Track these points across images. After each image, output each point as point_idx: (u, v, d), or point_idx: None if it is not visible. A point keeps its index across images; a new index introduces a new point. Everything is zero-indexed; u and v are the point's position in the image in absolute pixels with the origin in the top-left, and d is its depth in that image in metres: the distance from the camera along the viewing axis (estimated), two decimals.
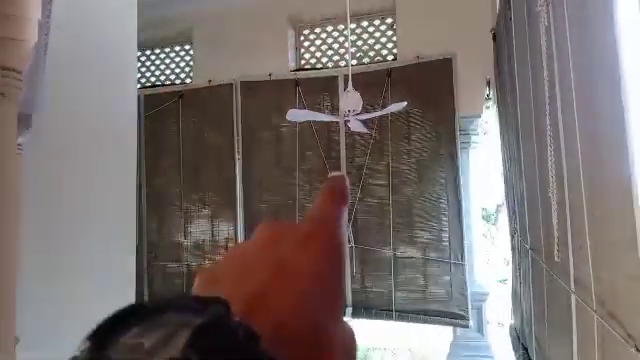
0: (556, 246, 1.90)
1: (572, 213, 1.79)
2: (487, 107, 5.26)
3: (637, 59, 1.26)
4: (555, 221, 1.90)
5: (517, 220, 3.46)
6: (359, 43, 5.68)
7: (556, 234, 1.89)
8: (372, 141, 5.18)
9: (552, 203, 1.91)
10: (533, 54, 2.42)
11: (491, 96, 5.12)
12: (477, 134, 5.22)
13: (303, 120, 4.79)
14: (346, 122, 4.27)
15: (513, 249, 3.78)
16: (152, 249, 5.83)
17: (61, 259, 3.23)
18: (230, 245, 5.62)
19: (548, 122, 1.97)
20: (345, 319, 0.28)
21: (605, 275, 1.45)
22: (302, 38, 5.90)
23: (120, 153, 3.78)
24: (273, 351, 0.20)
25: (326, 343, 0.23)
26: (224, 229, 5.63)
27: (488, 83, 5.06)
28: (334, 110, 5.17)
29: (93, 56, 3.63)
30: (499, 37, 4.09)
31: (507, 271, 10.25)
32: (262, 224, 0.30)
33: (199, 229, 5.72)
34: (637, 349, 1.16)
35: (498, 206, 14.33)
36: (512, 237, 3.70)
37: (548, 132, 1.97)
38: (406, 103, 3.85)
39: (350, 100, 3.90)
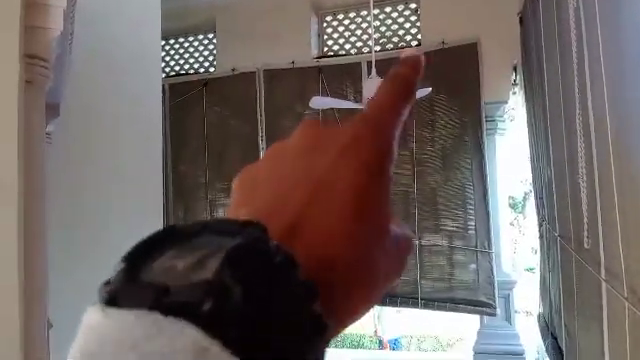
0: (585, 233, 1.85)
1: (602, 199, 1.74)
2: (514, 93, 5.15)
3: None
4: (585, 207, 1.85)
5: (545, 208, 3.40)
6: (382, 29, 5.61)
7: (586, 221, 1.85)
8: None
9: (582, 189, 1.86)
10: (562, 37, 2.35)
11: (518, 81, 5.01)
12: (503, 120, 5.13)
13: (326, 107, 4.76)
14: None
15: (541, 237, 3.71)
16: None
17: (86, 248, 3.30)
18: None
19: (577, 105, 1.91)
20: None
21: (636, 262, 1.41)
22: (325, 25, 5.85)
23: (146, 141, 3.84)
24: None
25: (362, 277, 0.22)
26: None
27: (515, 68, 4.95)
28: (358, 96, 5.12)
29: (118, 45, 3.67)
30: (526, 21, 3.99)
31: (535, 260, 10.10)
32: (305, 122, 0.27)
33: (225, 217, 5.77)
34: None
35: (525, 194, 14.11)
36: (540, 225, 3.63)
37: (577, 116, 1.92)
38: (430, 89, 3.80)
39: (374, 86, 3.86)
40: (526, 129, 4.58)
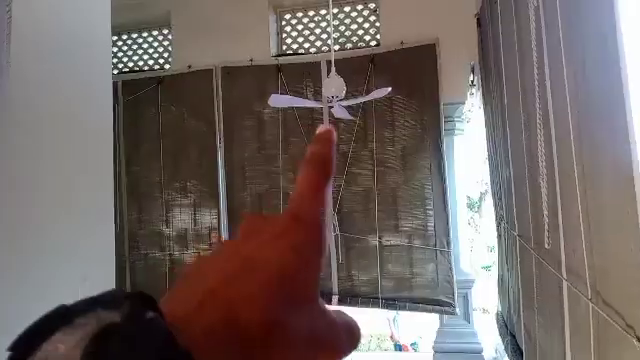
0: (546, 233, 1.84)
1: (563, 199, 1.74)
2: (471, 94, 5.20)
3: (635, 37, 1.19)
4: (545, 207, 1.84)
5: (504, 207, 3.42)
6: (341, 28, 5.58)
7: (546, 221, 1.84)
8: (356, 128, 5.10)
9: (542, 189, 1.85)
10: (521, 37, 2.36)
11: (475, 82, 5.07)
12: (461, 121, 5.18)
13: (285, 106, 4.68)
14: (330, 108, 4.18)
15: (499, 236, 3.74)
16: (133, 238, 5.70)
17: (29, 250, 3.10)
18: (213, 234, 5.51)
19: (537, 104, 1.90)
20: (338, 308, 0.28)
21: (600, 263, 1.40)
22: (283, 23, 5.77)
23: (95, 139, 3.63)
24: (217, 346, 0.21)
25: (280, 340, 0.23)
26: (207, 218, 5.52)
27: (472, 69, 5.00)
28: (317, 96, 5.06)
29: (63, 40, 3.47)
30: (484, 22, 4.02)
31: (491, 258, 10.33)
32: (246, 216, 0.30)
33: (181, 218, 5.60)
34: (638, 339, 1.11)
35: (482, 194, 14.42)
36: (498, 224, 3.66)
37: (538, 116, 1.91)
38: (390, 89, 3.78)
39: (333, 85, 3.81)
40: (484, 130, 4.63)
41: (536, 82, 1.91)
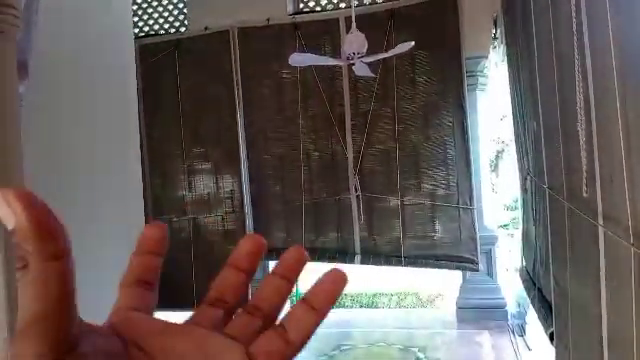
0: (584, 181, 1.82)
1: (603, 146, 1.70)
2: (494, 47, 5.07)
3: None
4: (584, 155, 1.81)
5: (530, 161, 3.38)
6: None
7: (585, 169, 1.81)
8: (376, 86, 5.03)
9: (580, 137, 1.81)
10: None
11: (497, 35, 4.93)
12: (484, 75, 5.07)
13: (306, 64, 4.62)
14: (350, 66, 4.12)
15: (525, 191, 3.71)
16: (156, 203, 5.77)
17: (63, 213, 3.16)
18: (235, 198, 5.56)
19: (575, 43, 1.85)
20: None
21: None
22: None
23: (121, 105, 3.65)
24: None
25: None
26: (228, 181, 5.56)
27: (495, 22, 4.86)
28: (336, 54, 4.98)
29: (88, 5, 3.44)
30: None
31: (509, 217, 10.27)
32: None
33: (203, 183, 5.65)
34: None
35: (498, 152, 14.24)
36: (525, 179, 3.62)
37: (576, 64, 1.86)
38: (413, 43, 3.70)
39: (354, 42, 3.74)
40: (507, 84, 4.54)
41: (574, 28, 1.84)
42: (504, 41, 4.43)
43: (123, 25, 3.69)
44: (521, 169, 4.09)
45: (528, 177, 3.52)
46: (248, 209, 5.49)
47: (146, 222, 5.65)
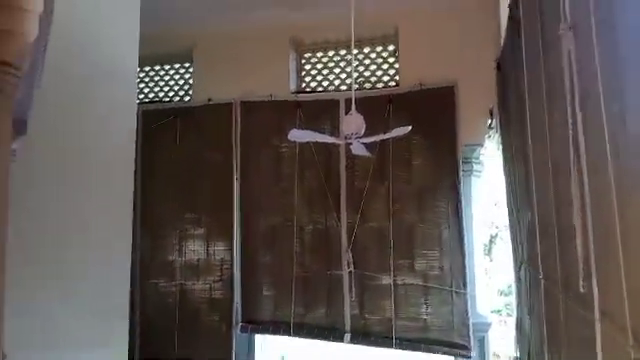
0: (581, 275, 1.80)
1: (599, 243, 1.71)
2: (489, 136, 5.21)
3: None
4: (580, 250, 1.81)
5: (525, 249, 3.38)
6: (360, 69, 5.66)
7: (581, 263, 1.80)
8: (373, 165, 5.11)
9: (577, 233, 1.82)
10: (550, 80, 2.38)
11: (493, 125, 5.09)
12: (479, 162, 5.17)
13: (305, 140, 4.72)
14: (348, 145, 4.21)
15: (519, 279, 3.68)
16: (145, 266, 5.66)
17: (48, 274, 3.09)
18: (225, 266, 5.47)
19: (571, 146, 1.90)
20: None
21: None
22: (303, 61, 5.88)
23: (117, 168, 3.68)
24: None
25: None
26: (220, 249, 5.50)
27: (490, 112, 5.03)
28: (335, 133, 5.10)
29: (94, 69, 3.55)
30: (504, 66, 4.07)
31: (502, 302, 10.11)
32: None
33: (194, 249, 5.58)
34: None
35: (492, 237, 14.23)
36: (519, 268, 3.61)
37: (572, 157, 1.90)
38: (410, 127, 3.80)
39: (353, 123, 3.84)
40: (500, 173, 4.62)
41: (569, 123, 1.91)
42: (499, 132, 4.56)
43: (128, 93, 3.77)
44: (515, 257, 4.08)
45: (522, 266, 3.50)
46: (237, 278, 5.39)
47: (132, 284, 5.52)
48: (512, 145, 3.86)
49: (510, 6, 3.25)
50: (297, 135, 4.00)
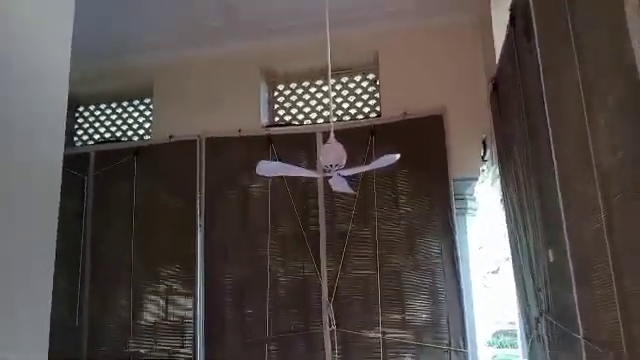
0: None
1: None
2: (482, 170, 4.68)
3: None
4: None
5: (545, 297, 2.76)
6: (338, 100, 5.16)
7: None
8: (355, 204, 4.51)
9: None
10: (560, 102, 1.85)
11: (486, 158, 4.56)
12: (473, 199, 4.62)
13: (275, 174, 4.12)
14: (327, 180, 3.62)
15: (534, 336, 3.03)
16: (94, 331, 4.86)
17: None
18: (187, 328, 4.70)
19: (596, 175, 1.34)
20: None
21: None
22: (276, 93, 5.36)
23: (37, 222, 2.95)
24: None
25: None
26: (180, 309, 4.74)
27: (484, 143, 4.52)
28: (312, 168, 4.51)
29: (16, 111, 2.90)
30: (503, 84, 3.58)
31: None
32: None
33: (150, 309, 4.81)
34: None
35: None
36: (536, 319, 2.97)
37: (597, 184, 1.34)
38: (399, 156, 3.24)
39: (331, 152, 3.27)
40: (501, 207, 4.07)
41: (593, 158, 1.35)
42: (496, 161, 4.03)
43: (54, 138, 3.09)
44: (523, 308, 3.45)
45: (541, 317, 2.87)
46: (201, 343, 4.61)
47: (78, 352, 4.71)
48: (516, 174, 3.31)
49: (512, 7, 2.76)
50: (267, 168, 3.39)
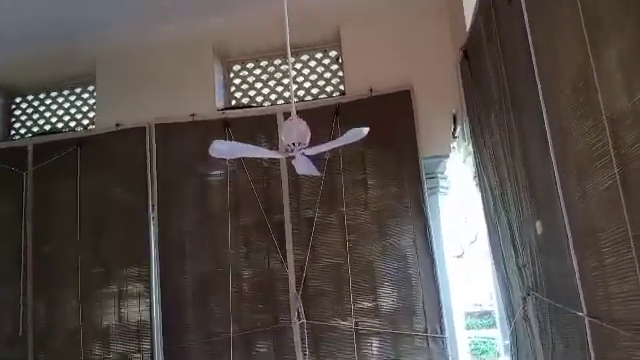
0: None
1: None
2: (453, 147, 4.46)
3: None
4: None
5: (531, 274, 2.54)
6: (300, 79, 4.85)
7: None
8: (322, 188, 4.22)
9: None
10: (554, 40, 1.60)
11: (457, 134, 4.35)
12: (445, 177, 4.40)
13: (233, 157, 3.77)
14: (290, 161, 3.31)
15: (525, 318, 2.81)
16: (41, 338, 4.42)
17: None
18: (143, 331, 4.32)
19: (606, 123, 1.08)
20: None
21: None
22: (232, 74, 4.99)
23: None
24: None
25: None
26: (135, 311, 4.34)
27: (454, 118, 4.30)
28: (274, 149, 4.19)
29: None
30: (475, 51, 3.34)
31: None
32: None
33: (102, 312, 4.40)
34: None
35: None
36: (523, 299, 2.75)
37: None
38: (368, 129, 2.96)
39: (294, 130, 2.96)
40: (476, 184, 3.86)
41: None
42: (470, 136, 3.81)
43: None
44: (505, 286, 3.25)
45: (529, 296, 2.65)
46: (159, 347, 4.24)
47: None
48: (494, 146, 3.08)
49: None
50: (222, 149, 3.03)
